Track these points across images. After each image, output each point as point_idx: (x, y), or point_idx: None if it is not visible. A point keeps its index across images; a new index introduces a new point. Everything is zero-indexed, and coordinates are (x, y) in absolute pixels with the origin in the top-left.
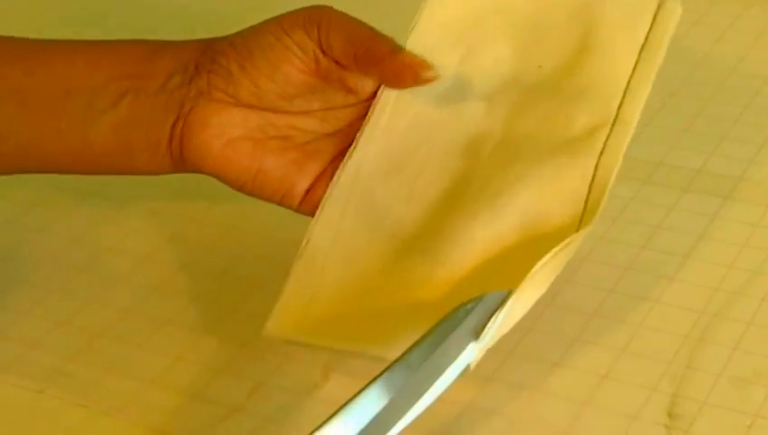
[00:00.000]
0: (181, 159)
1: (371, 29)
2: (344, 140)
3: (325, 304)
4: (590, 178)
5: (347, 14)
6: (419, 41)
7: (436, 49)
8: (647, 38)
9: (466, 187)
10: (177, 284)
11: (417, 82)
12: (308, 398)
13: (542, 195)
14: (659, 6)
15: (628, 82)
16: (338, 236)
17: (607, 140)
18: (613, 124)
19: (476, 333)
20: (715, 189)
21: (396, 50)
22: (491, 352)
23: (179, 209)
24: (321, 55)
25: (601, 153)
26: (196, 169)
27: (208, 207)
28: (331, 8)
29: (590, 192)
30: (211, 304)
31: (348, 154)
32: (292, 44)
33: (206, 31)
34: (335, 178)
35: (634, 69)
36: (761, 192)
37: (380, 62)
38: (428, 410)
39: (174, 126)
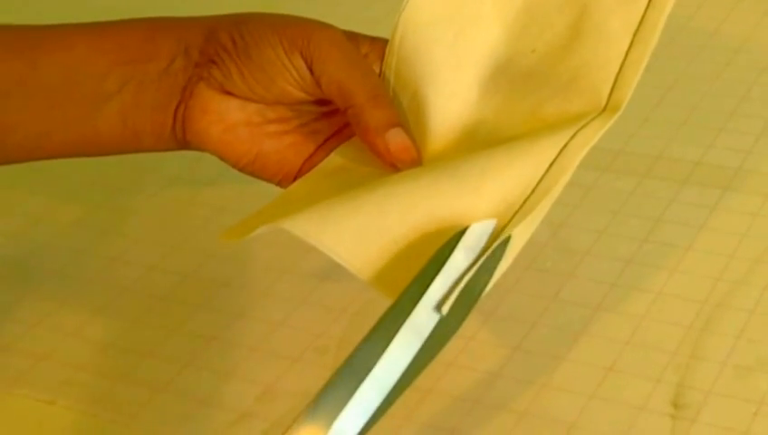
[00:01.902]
0: (185, 141)
1: (362, 73)
2: (341, 120)
3: (293, 211)
4: (561, 145)
5: (344, 48)
6: (412, 17)
7: (429, 26)
8: (641, 20)
9: (448, 167)
10: (183, 292)
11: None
12: None
13: (511, 161)
14: None
15: (620, 68)
16: (314, 190)
17: (590, 122)
18: (602, 111)
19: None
20: (714, 181)
21: (382, 127)
22: (497, 349)
23: (184, 219)
24: (314, 82)
25: (578, 130)
26: (200, 150)
27: (213, 217)
28: (332, 36)
29: (556, 158)
30: (217, 312)
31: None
32: (290, 66)
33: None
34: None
35: (627, 53)
36: (760, 182)
37: (364, 135)
38: (437, 407)
39: (177, 110)
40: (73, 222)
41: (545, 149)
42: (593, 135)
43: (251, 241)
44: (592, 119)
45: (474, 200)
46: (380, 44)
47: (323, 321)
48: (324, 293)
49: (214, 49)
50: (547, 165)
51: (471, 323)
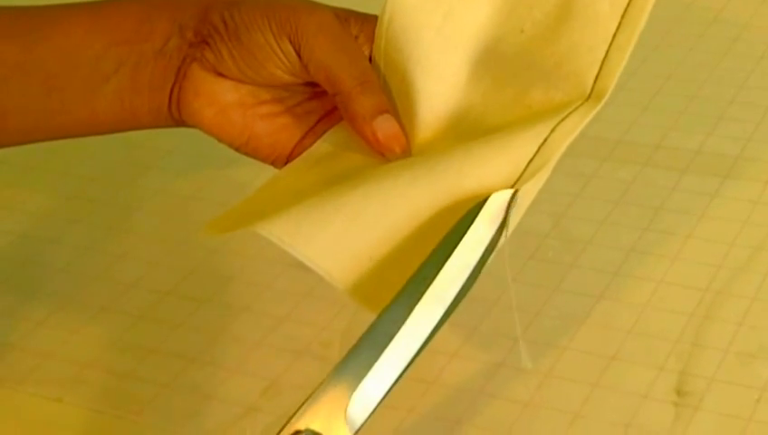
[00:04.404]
0: (181, 121)
1: (350, 58)
2: (333, 100)
3: (271, 209)
4: (541, 140)
5: (333, 33)
6: (399, 2)
7: (417, 7)
8: (629, 3)
9: (428, 163)
10: (188, 288)
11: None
12: None
13: (490, 158)
14: None
15: (607, 53)
16: (301, 178)
17: (573, 111)
18: (586, 99)
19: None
20: (714, 169)
21: (369, 115)
22: (500, 339)
23: (188, 215)
24: (303, 67)
25: (560, 122)
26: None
27: (216, 212)
28: (321, 20)
29: (536, 153)
30: (222, 307)
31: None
32: (279, 51)
33: None
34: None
35: (614, 36)
36: (759, 169)
37: (352, 122)
38: (440, 397)
39: (172, 90)
40: (77, 219)
41: (524, 144)
42: (575, 127)
43: (254, 235)
44: (575, 108)
45: (452, 200)
46: (371, 25)
47: (327, 314)
48: (328, 286)
49: (207, 30)
50: (526, 161)
51: (474, 314)
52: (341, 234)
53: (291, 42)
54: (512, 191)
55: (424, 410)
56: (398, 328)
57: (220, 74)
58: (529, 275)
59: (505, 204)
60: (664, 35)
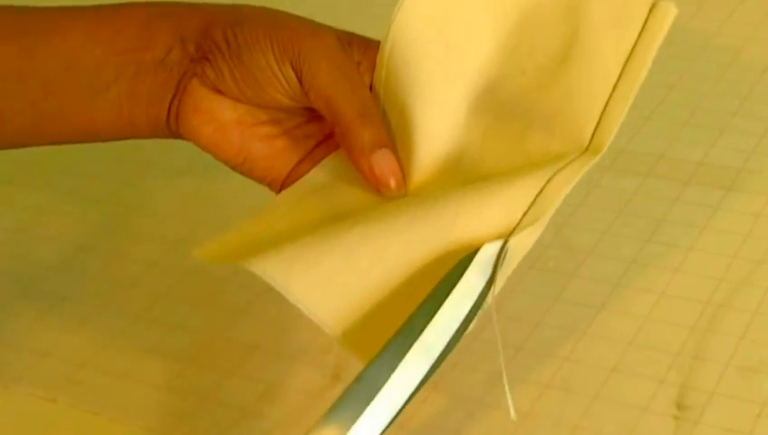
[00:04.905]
0: (179, 134)
1: (352, 88)
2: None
3: (263, 242)
4: (536, 191)
5: (335, 60)
6: (402, 29)
7: (419, 39)
8: (633, 47)
9: (423, 194)
10: (186, 289)
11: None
12: (319, 399)
13: (484, 207)
14: (652, 8)
15: (607, 104)
16: (296, 208)
17: (569, 163)
18: (583, 151)
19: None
20: (716, 181)
21: (367, 148)
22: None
23: (187, 214)
24: (303, 93)
25: (555, 174)
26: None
27: (216, 212)
28: (323, 46)
29: (531, 205)
30: (220, 309)
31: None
32: (280, 75)
33: None
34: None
35: (615, 85)
36: (762, 182)
37: (350, 154)
38: (440, 407)
39: (171, 103)
40: (76, 217)
41: (520, 195)
42: (569, 180)
43: None
44: (571, 161)
45: (445, 249)
46: (374, 52)
47: None
48: None
49: (208, 46)
50: (521, 213)
51: (474, 323)
52: (334, 278)
53: (293, 66)
54: (502, 242)
55: (423, 420)
56: (387, 378)
57: (219, 92)
58: (529, 285)
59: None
60: (667, 46)
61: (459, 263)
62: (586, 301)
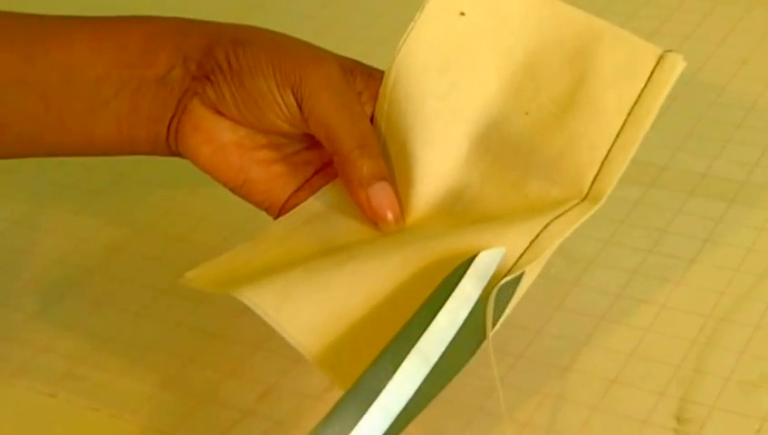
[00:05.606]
0: (178, 153)
1: (352, 119)
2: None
3: (256, 270)
4: (533, 236)
5: (336, 89)
6: (406, 63)
7: (423, 74)
8: (638, 99)
9: (419, 232)
10: (185, 287)
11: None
12: (319, 401)
13: (478, 249)
14: (660, 59)
15: (608, 152)
16: (291, 237)
17: (567, 211)
18: (582, 199)
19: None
20: (720, 193)
21: (366, 181)
22: (500, 357)
23: (189, 210)
24: (303, 120)
25: (552, 220)
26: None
27: (217, 207)
28: (326, 75)
29: (526, 249)
30: (220, 308)
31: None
32: (281, 101)
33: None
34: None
35: (617, 136)
36: (766, 196)
37: (347, 185)
38: (439, 414)
39: (171, 122)
40: (76, 211)
41: (516, 239)
42: (566, 228)
43: (254, 231)
44: (570, 208)
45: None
46: (376, 82)
47: None
48: None
49: (210, 66)
50: (515, 258)
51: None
52: (325, 315)
53: (294, 93)
54: (503, 250)
55: (423, 427)
56: (383, 386)
57: (220, 113)
58: (531, 292)
59: (495, 263)
60: None
61: (455, 270)
62: (587, 311)
